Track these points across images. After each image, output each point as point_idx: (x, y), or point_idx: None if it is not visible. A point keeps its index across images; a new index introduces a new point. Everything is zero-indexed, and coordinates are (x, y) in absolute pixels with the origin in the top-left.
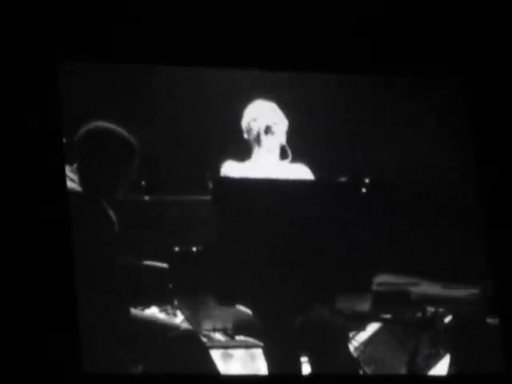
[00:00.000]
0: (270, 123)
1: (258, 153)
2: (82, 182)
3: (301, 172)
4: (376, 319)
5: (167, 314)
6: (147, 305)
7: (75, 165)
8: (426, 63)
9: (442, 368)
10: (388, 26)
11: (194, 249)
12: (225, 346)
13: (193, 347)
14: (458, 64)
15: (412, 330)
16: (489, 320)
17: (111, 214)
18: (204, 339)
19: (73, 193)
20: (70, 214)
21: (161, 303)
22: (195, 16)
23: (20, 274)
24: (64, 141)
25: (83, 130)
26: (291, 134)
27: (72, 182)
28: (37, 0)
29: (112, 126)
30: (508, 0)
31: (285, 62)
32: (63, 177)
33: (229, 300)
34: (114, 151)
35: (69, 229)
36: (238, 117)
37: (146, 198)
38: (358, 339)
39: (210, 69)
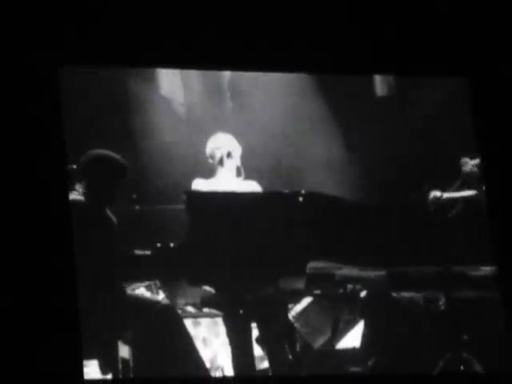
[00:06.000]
0: (230, 149)
1: (220, 172)
2: (89, 194)
3: (252, 186)
4: (309, 294)
5: (152, 292)
6: (137, 286)
7: (83, 182)
8: (433, 63)
9: (357, 330)
10: (395, 25)
11: (172, 245)
12: (194, 316)
13: (171, 317)
14: (466, 64)
15: (335, 302)
16: (393, 294)
17: (112, 217)
18: (179, 311)
19: (78, 202)
20: (71, 219)
21: (147, 285)
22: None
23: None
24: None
25: (86, 157)
26: (244, 158)
27: (78, 195)
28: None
29: (109, 152)
30: None
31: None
32: (65, 183)
33: (197, 282)
34: (111, 172)
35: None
36: (203, 146)
37: (137, 207)
38: (295, 310)
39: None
